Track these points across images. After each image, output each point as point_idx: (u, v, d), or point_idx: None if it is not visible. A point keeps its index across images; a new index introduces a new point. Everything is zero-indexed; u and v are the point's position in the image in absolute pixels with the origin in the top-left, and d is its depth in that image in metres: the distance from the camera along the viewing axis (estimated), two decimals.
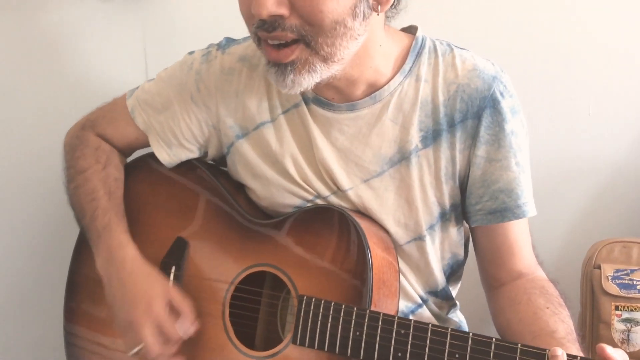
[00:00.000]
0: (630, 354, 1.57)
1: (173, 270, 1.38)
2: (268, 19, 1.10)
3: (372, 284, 1.19)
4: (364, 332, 1.16)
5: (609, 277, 1.65)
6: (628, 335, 1.62)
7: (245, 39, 1.39)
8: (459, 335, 1.10)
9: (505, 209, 1.30)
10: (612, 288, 1.64)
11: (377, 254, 1.22)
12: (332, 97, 1.30)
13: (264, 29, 1.13)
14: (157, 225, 1.44)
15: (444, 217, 1.33)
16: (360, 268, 1.21)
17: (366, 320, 1.16)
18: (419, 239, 1.32)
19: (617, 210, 1.87)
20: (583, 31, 1.79)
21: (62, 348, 1.48)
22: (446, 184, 1.31)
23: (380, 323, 1.15)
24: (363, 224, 1.24)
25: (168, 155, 1.43)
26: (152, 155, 1.45)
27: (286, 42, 1.14)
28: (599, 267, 1.68)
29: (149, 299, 1.28)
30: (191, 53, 1.42)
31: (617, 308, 1.63)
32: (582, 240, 1.79)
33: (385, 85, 1.28)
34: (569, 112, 1.83)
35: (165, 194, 1.46)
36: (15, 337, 1.88)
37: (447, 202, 1.32)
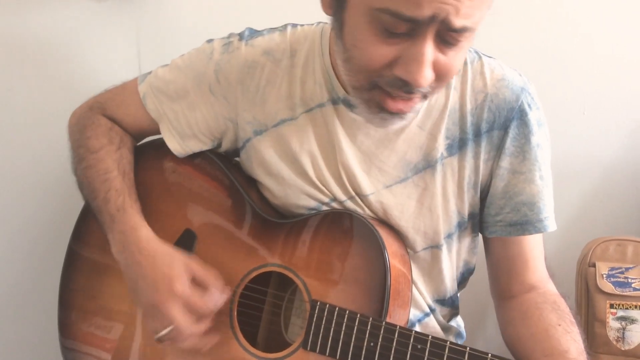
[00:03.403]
0: (625, 352, 1.53)
1: None
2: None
3: (389, 295, 1.11)
4: (379, 343, 1.08)
5: (604, 275, 1.60)
6: (623, 333, 1.56)
7: (268, 30, 1.28)
8: (477, 355, 1.02)
9: (526, 222, 1.23)
10: (607, 286, 1.59)
11: (394, 264, 1.14)
12: None
13: (404, 90, 1.02)
14: (163, 214, 1.33)
15: (462, 226, 1.25)
16: (377, 278, 1.12)
17: (382, 332, 1.08)
18: (435, 247, 1.25)
19: (611, 209, 1.82)
20: (577, 31, 1.73)
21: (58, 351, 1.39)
22: (468, 192, 1.23)
23: (396, 336, 1.07)
24: (382, 232, 1.16)
25: (180, 146, 1.31)
26: (159, 142, 1.34)
27: None
28: (594, 265, 1.63)
29: (171, 279, 1.16)
30: (210, 41, 1.29)
31: (612, 306, 1.58)
32: (577, 238, 1.74)
33: None
34: (564, 112, 1.77)
35: (173, 183, 1.35)
36: (13, 340, 1.79)
37: (466, 211, 1.24)
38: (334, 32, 1.07)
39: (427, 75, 0.97)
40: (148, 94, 1.31)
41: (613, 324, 1.57)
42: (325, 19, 1.27)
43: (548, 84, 1.72)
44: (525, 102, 1.20)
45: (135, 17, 1.65)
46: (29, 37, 1.63)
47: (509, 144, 1.20)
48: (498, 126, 1.20)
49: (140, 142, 1.41)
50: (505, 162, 1.21)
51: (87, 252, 1.38)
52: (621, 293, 1.57)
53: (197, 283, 1.18)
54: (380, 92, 1.03)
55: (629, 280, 1.58)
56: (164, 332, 1.16)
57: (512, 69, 1.23)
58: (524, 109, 1.20)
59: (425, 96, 1.05)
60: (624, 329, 1.56)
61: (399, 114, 1.06)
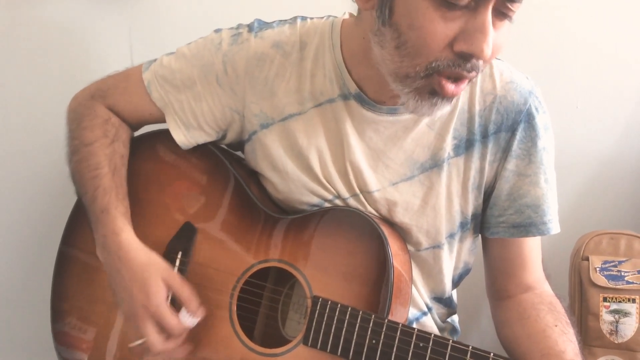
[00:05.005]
0: (618, 345, 1.52)
1: (179, 256, 1.24)
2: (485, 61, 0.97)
3: (391, 294, 1.08)
4: (381, 341, 1.06)
5: (597, 269, 1.58)
6: (616, 326, 1.55)
7: (278, 23, 1.24)
8: (480, 354, 0.99)
9: (530, 224, 1.20)
10: (600, 280, 1.57)
11: (396, 263, 1.11)
12: (381, 98, 1.16)
13: (465, 69, 0.97)
14: (162, 206, 1.29)
15: (464, 226, 1.23)
16: (381, 277, 1.10)
17: (384, 329, 1.06)
18: (437, 246, 1.22)
19: (605, 202, 1.80)
20: (570, 25, 1.70)
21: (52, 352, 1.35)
22: (472, 193, 1.20)
23: (398, 334, 1.05)
24: (385, 230, 1.13)
25: (185, 137, 1.26)
26: (162, 132, 1.30)
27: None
28: (587, 259, 1.61)
29: (147, 292, 1.14)
30: (217, 31, 1.25)
31: (605, 299, 1.56)
32: (570, 232, 1.70)
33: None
34: (556, 105, 1.73)
35: (173, 174, 1.31)
36: (7, 340, 1.76)
37: (469, 212, 1.22)
38: (379, 22, 1.01)
39: (491, 45, 0.94)
40: (153, 82, 1.26)
41: (606, 317, 1.55)
42: (329, 12, 1.25)
43: (541, 77, 1.67)
44: (533, 105, 1.18)
45: (127, 12, 1.61)
46: (21, 33, 1.59)
47: (515, 146, 1.18)
48: (505, 128, 1.18)
49: (142, 132, 1.36)
50: (511, 165, 1.19)
51: (78, 256, 1.34)
52: (614, 286, 1.56)
53: (174, 298, 1.16)
54: (438, 77, 0.99)
55: (622, 273, 1.56)
56: (135, 343, 1.15)
57: (519, 72, 1.21)
58: (531, 113, 1.18)
59: (470, 80, 1.02)
60: (617, 322, 1.55)
61: (452, 97, 1.01)
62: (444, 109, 1.04)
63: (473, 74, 0.99)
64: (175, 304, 1.18)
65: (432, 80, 0.99)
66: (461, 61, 0.96)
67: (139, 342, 1.15)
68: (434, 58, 0.97)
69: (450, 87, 0.99)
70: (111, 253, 1.18)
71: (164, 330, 1.14)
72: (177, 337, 1.16)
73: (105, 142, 1.26)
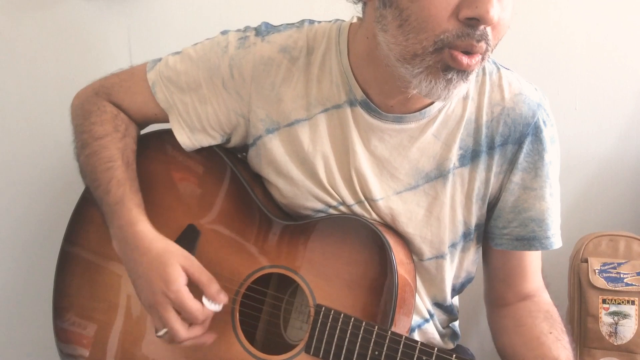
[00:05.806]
0: (618, 347, 1.51)
1: None
2: (487, 26, 0.95)
3: (395, 304, 1.07)
4: (383, 352, 1.04)
5: (596, 271, 1.57)
6: (616, 328, 1.54)
7: (285, 26, 1.21)
8: None
9: (533, 238, 1.19)
10: (600, 281, 1.55)
11: (401, 273, 1.10)
12: (387, 105, 1.14)
13: (474, 38, 0.95)
14: (166, 207, 1.27)
15: (467, 236, 1.21)
16: (385, 287, 1.08)
17: (387, 341, 1.04)
18: (440, 257, 1.20)
19: (603, 204, 1.78)
20: (568, 25, 1.68)
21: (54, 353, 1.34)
22: (475, 204, 1.19)
23: (401, 346, 1.03)
24: (389, 239, 1.11)
25: (189, 139, 1.24)
26: (166, 132, 1.27)
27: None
28: (586, 261, 1.59)
29: (166, 278, 1.10)
30: (224, 33, 1.22)
31: (604, 301, 1.55)
32: (569, 234, 1.67)
33: (435, 101, 1.14)
34: (555, 107, 1.70)
35: (177, 176, 1.29)
36: (9, 338, 1.74)
37: (473, 222, 1.20)
38: (380, 6, 1.00)
39: (496, 7, 0.92)
40: (157, 83, 1.24)
41: (606, 319, 1.54)
42: (329, 16, 1.22)
43: (539, 79, 1.66)
44: (540, 118, 1.17)
45: (126, 16, 1.59)
46: (20, 36, 1.58)
47: (522, 159, 1.17)
48: (512, 141, 1.16)
49: (146, 132, 1.34)
50: (517, 177, 1.17)
51: (80, 254, 1.32)
52: (613, 288, 1.54)
53: (194, 285, 1.13)
54: (449, 50, 0.96)
55: (621, 275, 1.55)
56: (160, 333, 1.12)
57: (528, 83, 1.19)
58: (539, 126, 1.16)
59: (482, 58, 0.99)
60: (616, 324, 1.54)
61: (466, 72, 0.98)
62: (460, 88, 1.00)
63: (482, 44, 0.96)
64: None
65: (443, 55, 0.97)
66: (469, 30, 0.95)
67: (164, 331, 1.12)
68: (440, 30, 0.95)
69: (463, 58, 0.97)
70: (128, 244, 1.15)
71: (186, 317, 1.11)
72: (201, 323, 1.12)
73: (117, 136, 1.23)
